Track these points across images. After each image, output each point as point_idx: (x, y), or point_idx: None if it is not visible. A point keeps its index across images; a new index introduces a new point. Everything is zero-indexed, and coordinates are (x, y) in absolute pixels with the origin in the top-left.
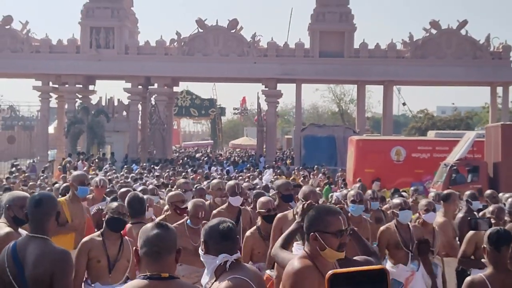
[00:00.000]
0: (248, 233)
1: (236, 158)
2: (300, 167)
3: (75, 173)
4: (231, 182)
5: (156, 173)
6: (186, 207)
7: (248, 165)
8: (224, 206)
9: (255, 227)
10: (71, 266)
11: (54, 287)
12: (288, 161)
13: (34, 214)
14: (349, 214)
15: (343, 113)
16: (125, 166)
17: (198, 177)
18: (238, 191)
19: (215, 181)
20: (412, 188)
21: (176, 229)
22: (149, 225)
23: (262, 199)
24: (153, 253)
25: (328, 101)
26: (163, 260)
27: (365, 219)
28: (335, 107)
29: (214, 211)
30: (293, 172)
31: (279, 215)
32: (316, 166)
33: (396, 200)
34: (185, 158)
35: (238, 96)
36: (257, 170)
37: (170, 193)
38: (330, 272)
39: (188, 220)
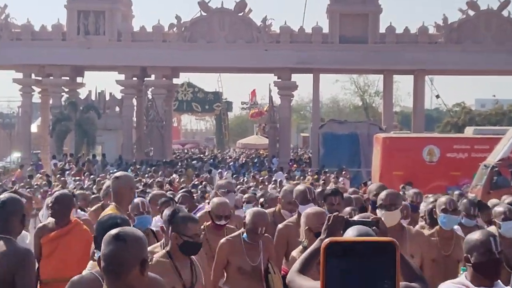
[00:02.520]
0: (294, 253)
1: (245, 159)
2: (317, 170)
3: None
4: (301, 187)
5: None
6: (224, 225)
7: (255, 169)
8: (293, 218)
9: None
10: (33, 265)
11: (17, 286)
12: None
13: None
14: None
15: (367, 107)
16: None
17: (202, 181)
18: (311, 197)
19: (287, 186)
20: (456, 193)
21: (229, 242)
22: (109, 236)
23: (310, 210)
24: (110, 272)
25: (350, 93)
26: (122, 279)
27: (459, 236)
28: (358, 101)
29: (281, 225)
30: (307, 174)
31: (281, 225)
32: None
33: (499, 208)
34: (188, 160)
35: (247, 89)
36: (267, 173)
37: (214, 201)
38: (327, 240)
39: (245, 234)
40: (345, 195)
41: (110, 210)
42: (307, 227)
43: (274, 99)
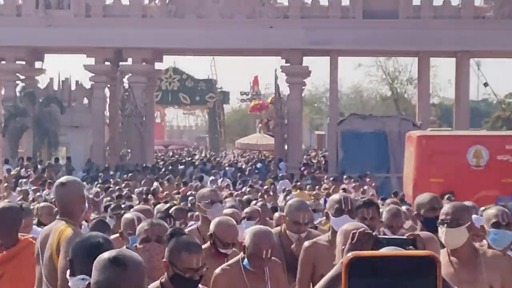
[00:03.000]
0: None
1: (246, 163)
2: (335, 176)
3: None
4: (336, 196)
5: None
6: (227, 254)
7: (257, 176)
8: (325, 236)
9: None
10: None
11: None
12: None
13: None
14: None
15: (398, 99)
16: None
17: (188, 191)
18: (347, 208)
19: (293, 201)
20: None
21: (226, 273)
22: (103, 260)
23: (349, 226)
24: None
25: (376, 81)
26: None
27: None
28: (386, 90)
29: (307, 243)
30: (323, 182)
31: (308, 243)
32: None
33: (491, 210)
34: (175, 164)
35: (248, 76)
36: (271, 181)
37: (221, 223)
38: (350, 255)
39: (245, 260)
40: None
41: (63, 227)
42: (343, 247)
43: (281, 89)
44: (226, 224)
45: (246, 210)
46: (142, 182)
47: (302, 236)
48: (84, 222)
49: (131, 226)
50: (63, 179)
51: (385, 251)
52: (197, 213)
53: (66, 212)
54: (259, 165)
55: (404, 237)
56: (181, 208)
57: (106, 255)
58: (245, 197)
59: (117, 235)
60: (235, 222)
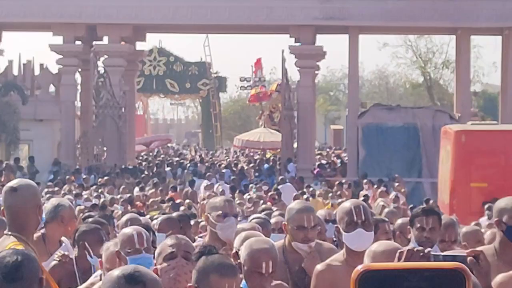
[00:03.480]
0: None
1: (247, 164)
2: (355, 180)
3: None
4: (346, 204)
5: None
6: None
7: (262, 179)
8: (339, 255)
9: None
10: None
11: None
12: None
13: None
14: None
15: (431, 86)
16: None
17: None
18: (360, 219)
19: (295, 203)
20: None
21: None
22: (117, 275)
23: (378, 247)
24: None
25: (405, 65)
26: None
27: None
28: (417, 75)
29: (320, 267)
30: (344, 188)
31: (320, 266)
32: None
33: (504, 202)
34: (160, 165)
35: (249, 59)
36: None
37: (251, 247)
38: (361, 268)
39: (243, 282)
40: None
41: (11, 244)
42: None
43: (290, 74)
44: (256, 247)
45: (272, 221)
46: (121, 188)
47: (312, 245)
48: (63, 239)
49: (130, 243)
50: (14, 182)
51: (404, 264)
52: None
53: (16, 225)
54: (266, 166)
55: (465, 253)
56: (171, 218)
57: (118, 272)
58: (246, 206)
59: (106, 253)
60: (266, 245)
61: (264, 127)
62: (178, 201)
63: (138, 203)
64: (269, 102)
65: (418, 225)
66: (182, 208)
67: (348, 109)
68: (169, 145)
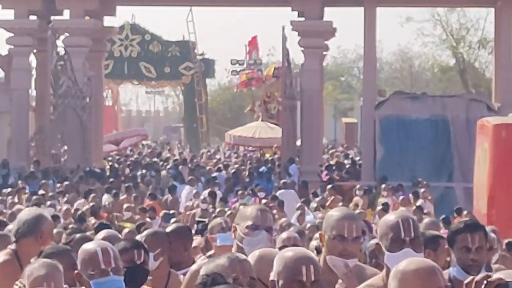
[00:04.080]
0: None
1: (241, 164)
2: (370, 185)
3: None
4: (391, 218)
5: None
6: None
7: (258, 184)
8: (378, 278)
9: None
10: None
11: None
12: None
13: None
14: None
15: (464, 70)
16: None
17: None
18: (408, 236)
19: (336, 210)
20: None
21: None
22: None
23: (412, 270)
24: None
25: (433, 44)
26: None
27: None
28: (448, 57)
29: None
30: (354, 192)
31: None
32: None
33: None
34: (133, 167)
35: (242, 36)
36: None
37: (289, 259)
38: None
39: None
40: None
41: None
42: None
43: (292, 55)
44: (300, 252)
45: (283, 236)
46: (90, 196)
47: (350, 263)
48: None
49: (93, 263)
50: None
51: None
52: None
53: None
54: (263, 169)
55: None
56: (159, 233)
57: None
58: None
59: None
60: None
61: (262, 120)
62: (171, 211)
63: (104, 214)
64: (262, 90)
65: (461, 244)
66: (173, 220)
67: (363, 98)
68: (144, 142)
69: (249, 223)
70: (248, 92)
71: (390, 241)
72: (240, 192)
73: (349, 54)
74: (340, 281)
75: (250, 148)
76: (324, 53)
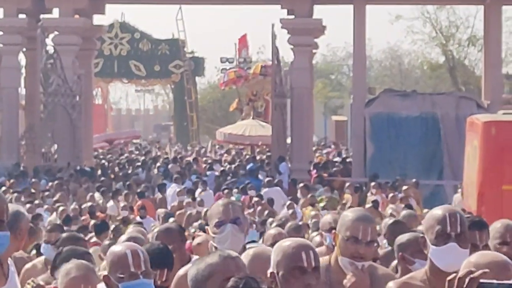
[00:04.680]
0: None
1: (232, 163)
2: (360, 183)
3: None
4: (438, 212)
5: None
6: None
7: (249, 182)
8: (419, 274)
9: None
10: None
11: None
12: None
13: None
14: None
15: (454, 67)
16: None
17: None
18: (454, 231)
19: (354, 210)
20: None
21: None
22: None
23: None
24: None
25: (423, 42)
26: None
27: None
28: (437, 55)
29: (392, 284)
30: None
31: (392, 284)
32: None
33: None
34: (124, 166)
35: (232, 34)
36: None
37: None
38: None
39: None
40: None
41: None
42: None
43: (282, 53)
44: (299, 241)
45: (272, 232)
46: (79, 195)
47: (364, 265)
48: (9, 260)
49: (122, 265)
50: None
51: None
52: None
53: None
54: (251, 166)
55: None
56: (170, 229)
57: None
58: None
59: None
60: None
61: (253, 118)
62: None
63: (99, 213)
64: (248, 88)
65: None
66: (171, 219)
67: (353, 96)
68: (134, 141)
69: (216, 220)
70: (233, 90)
71: (435, 235)
72: (226, 191)
73: (338, 52)
74: (348, 276)
75: (240, 145)
76: (314, 51)
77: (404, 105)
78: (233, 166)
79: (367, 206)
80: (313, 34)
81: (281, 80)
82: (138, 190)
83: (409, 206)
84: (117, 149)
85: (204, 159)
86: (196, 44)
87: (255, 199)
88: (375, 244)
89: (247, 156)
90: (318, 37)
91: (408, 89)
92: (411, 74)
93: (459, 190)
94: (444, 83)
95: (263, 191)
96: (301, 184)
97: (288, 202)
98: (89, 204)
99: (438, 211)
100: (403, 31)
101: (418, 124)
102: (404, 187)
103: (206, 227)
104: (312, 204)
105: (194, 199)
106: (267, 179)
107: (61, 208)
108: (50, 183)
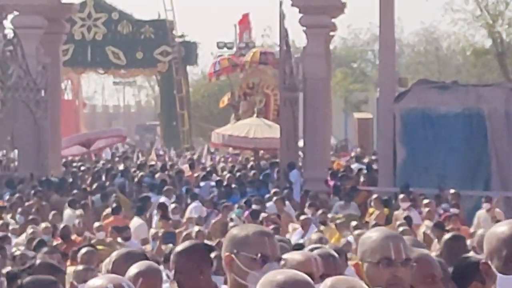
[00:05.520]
0: None
1: (232, 171)
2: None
3: None
4: (503, 230)
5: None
6: None
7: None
8: None
9: None
10: None
11: None
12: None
13: None
14: None
15: (503, 53)
16: None
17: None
18: None
19: (373, 232)
20: None
21: None
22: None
23: None
24: None
25: (465, 22)
26: None
27: None
28: (483, 38)
29: None
30: (369, 202)
31: None
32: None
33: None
34: (100, 174)
35: (230, 15)
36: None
37: None
38: None
39: None
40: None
41: None
42: None
43: (292, 37)
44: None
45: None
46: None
47: None
48: None
49: None
50: None
51: None
52: None
53: None
54: (252, 172)
55: None
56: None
57: None
58: None
59: None
60: None
61: (257, 117)
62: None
63: (75, 236)
64: (243, 79)
65: None
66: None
67: (380, 89)
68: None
69: (255, 254)
70: (225, 81)
71: (503, 260)
72: (224, 205)
73: (362, 34)
74: None
75: (231, 150)
76: (331, 33)
77: (442, 100)
78: (237, 174)
79: (398, 223)
80: (330, 13)
81: (291, 70)
82: (114, 206)
83: (408, 219)
84: (90, 156)
85: (201, 166)
86: (187, 26)
87: (263, 214)
88: (414, 265)
89: (251, 163)
90: (337, 16)
91: (448, 79)
92: (451, 61)
93: (484, 205)
94: (491, 73)
95: (268, 205)
96: (308, 202)
97: (303, 217)
98: (62, 225)
99: (503, 228)
100: (441, 9)
101: (460, 123)
102: (425, 201)
103: (228, 253)
104: (323, 223)
105: (165, 216)
106: (274, 190)
107: (44, 225)
108: (9, 196)
